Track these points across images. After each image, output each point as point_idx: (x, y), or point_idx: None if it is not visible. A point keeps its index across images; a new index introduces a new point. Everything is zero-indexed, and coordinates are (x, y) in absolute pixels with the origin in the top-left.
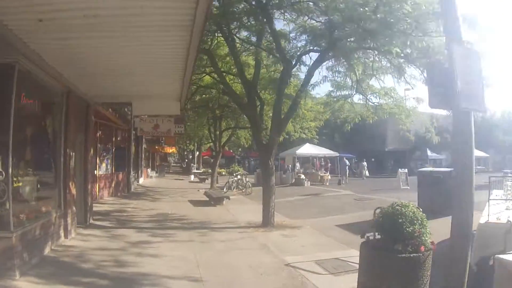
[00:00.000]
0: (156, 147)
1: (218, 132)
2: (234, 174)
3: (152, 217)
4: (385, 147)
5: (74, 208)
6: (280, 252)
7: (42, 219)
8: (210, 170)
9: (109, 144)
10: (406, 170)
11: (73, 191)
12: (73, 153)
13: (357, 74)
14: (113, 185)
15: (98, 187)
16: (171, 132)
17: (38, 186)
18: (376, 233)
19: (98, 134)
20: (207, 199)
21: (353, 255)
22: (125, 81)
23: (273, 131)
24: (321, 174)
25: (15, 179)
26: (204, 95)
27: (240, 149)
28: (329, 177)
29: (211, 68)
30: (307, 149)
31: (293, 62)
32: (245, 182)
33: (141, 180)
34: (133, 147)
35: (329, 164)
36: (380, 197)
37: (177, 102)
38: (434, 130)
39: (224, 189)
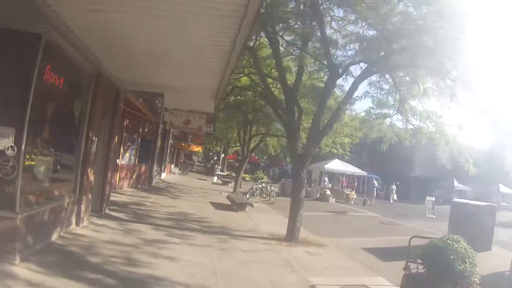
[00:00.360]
0: (183, 144)
1: (247, 137)
2: (259, 181)
3: (171, 215)
4: (411, 172)
5: (90, 195)
6: (304, 271)
7: (53, 202)
8: (234, 174)
9: (135, 134)
10: (433, 199)
11: (91, 177)
12: (96, 139)
13: (400, 93)
14: (134, 176)
15: (119, 177)
16: (202, 130)
17: (55, 167)
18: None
19: (125, 122)
20: (230, 203)
21: (382, 284)
22: (160, 69)
23: (309, 142)
24: (347, 192)
25: (28, 156)
26: (239, 97)
27: (265, 156)
28: (355, 196)
29: (250, 68)
30: (335, 165)
31: (340, 71)
32: (269, 190)
33: (163, 175)
34: (160, 141)
35: (355, 183)
36: (406, 223)
37: (212, 99)
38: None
39: (247, 195)
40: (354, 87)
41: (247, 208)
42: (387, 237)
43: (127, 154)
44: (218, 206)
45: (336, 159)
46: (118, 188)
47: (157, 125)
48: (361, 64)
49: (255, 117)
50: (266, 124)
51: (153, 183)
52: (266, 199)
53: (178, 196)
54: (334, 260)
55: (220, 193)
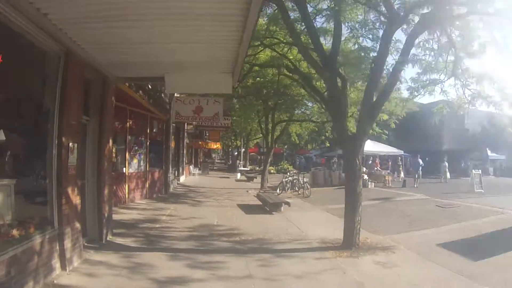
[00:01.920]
0: (200, 142)
1: (270, 125)
2: (289, 173)
3: (192, 231)
4: (441, 146)
5: (77, 225)
6: None
7: (12, 247)
8: (258, 168)
9: (142, 136)
10: (480, 172)
11: (74, 199)
12: (74, 145)
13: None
14: (147, 185)
15: (128, 188)
16: (218, 119)
17: (17, 193)
18: None
19: (128, 124)
20: (260, 203)
21: None
22: (158, 40)
23: (363, 118)
24: (385, 174)
25: None
26: (258, 78)
27: (285, 145)
28: (393, 178)
29: (271, 39)
30: (368, 146)
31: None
32: (301, 182)
33: (182, 178)
34: (173, 141)
35: (389, 163)
36: (463, 203)
37: (229, 75)
38: None
39: (278, 191)
40: (410, 42)
41: (282, 208)
42: (455, 224)
43: (135, 160)
44: (247, 208)
45: (368, 140)
46: (129, 202)
47: (168, 123)
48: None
49: (279, 101)
50: (289, 110)
51: (171, 190)
52: (299, 192)
53: (200, 202)
54: (416, 270)
55: (247, 191)
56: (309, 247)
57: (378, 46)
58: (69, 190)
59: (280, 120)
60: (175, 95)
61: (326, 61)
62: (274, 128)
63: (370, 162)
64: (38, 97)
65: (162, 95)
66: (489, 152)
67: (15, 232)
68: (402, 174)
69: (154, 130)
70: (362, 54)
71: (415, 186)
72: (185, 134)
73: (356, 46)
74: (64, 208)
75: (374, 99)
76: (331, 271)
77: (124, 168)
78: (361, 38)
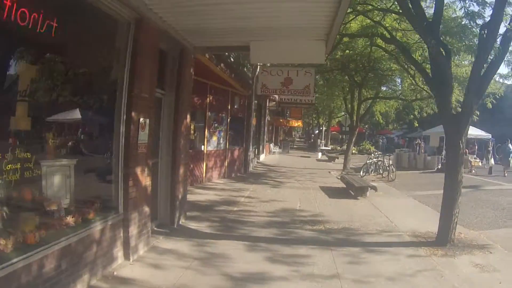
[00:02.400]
0: (281, 120)
1: (356, 103)
2: (373, 155)
3: (273, 216)
4: None
5: (145, 209)
6: None
7: (72, 234)
8: (339, 148)
9: (222, 113)
10: None
11: (144, 181)
12: (146, 120)
13: None
14: (225, 164)
15: (206, 167)
16: (310, 91)
17: (78, 174)
18: None
19: (208, 99)
20: (344, 186)
21: None
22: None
23: (470, 94)
24: (471, 160)
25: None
26: (347, 51)
27: (366, 125)
28: (480, 163)
29: (364, 5)
30: None
31: None
32: (386, 165)
33: (262, 157)
34: (254, 118)
35: (476, 148)
36: None
37: (322, 42)
38: None
39: (361, 173)
40: None
41: (368, 193)
42: None
43: (215, 138)
44: (331, 192)
45: None
46: (206, 181)
47: (250, 99)
48: None
49: (367, 76)
50: (376, 86)
51: (250, 169)
52: (384, 175)
53: (281, 182)
54: None
55: (329, 172)
56: (400, 241)
57: (486, 11)
58: (138, 170)
59: (367, 97)
60: (261, 65)
61: (428, 27)
62: (360, 106)
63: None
64: (106, 69)
65: (245, 69)
66: None
67: (70, 219)
68: (492, 161)
69: (235, 106)
70: (467, 21)
71: (505, 175)
72: (267, 111)
73: (463, 11)
74: (131, 191)
75: (482, 72)
76: (427, 273)
77: (202, 146)
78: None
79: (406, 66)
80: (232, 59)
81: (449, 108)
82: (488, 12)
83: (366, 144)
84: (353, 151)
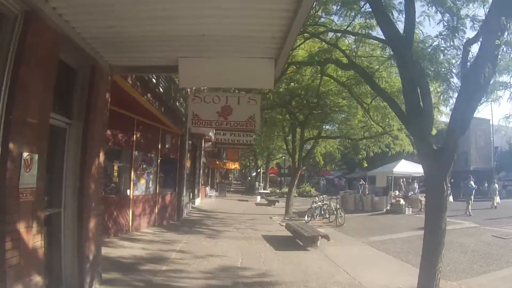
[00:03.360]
0: (217, 161)
1: (298, 143)
2: (317, 198)
3: (210, 278)
4: (469, 166)
5: (37, 279)
6: None
7: None
8: (278, 190)
9: (152, 152)
10: None
11: (31, 241)
12: (33, 157)
13: None
14: (156, 210)
15: (132, 215)
16: (255, 123)
17: None
18: None
19: (135, 136)
20: (290, 234)
21: None
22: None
23: (454, 127)
24: (421, 199)
25: None
26: (292, 84)
27: (303, 167)
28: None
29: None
30: (404, 167)
31: None
32: (333, 209)
33: (197, 201)
34: (188, 159)
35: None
36: None
37: (270, 61)
38: None
39: (306, 218)
40: None
41: (319, 242)
42: None
43: (143, 181)
44: (276, 242)
45: (403, 160)
46: (133, 231)
47: (183, 138)
48: None
49: (312, 113)
50: (319, 125)
51: (184, 215)
52: (331, 220)
53: (218, 231)
54: None
55: (271, 217)
56: None
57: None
58: (21, 226)
59: (309, 137)
60: (193, 89)
61: (399, 45)
62: (302, 146)
63: (404, 184)
64: None
65: (177, 103)
66: None
67: None
68: (451, 198)
69: (167, 146)
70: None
71: (469, 214)
72: (202, 152)
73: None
74: (9, 257)
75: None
76: None
77: (128, 191)
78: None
79: (360, 100)
80: (161, 89)
81: (429, 143)
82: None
83: (306, 186)
84: (294, 194)
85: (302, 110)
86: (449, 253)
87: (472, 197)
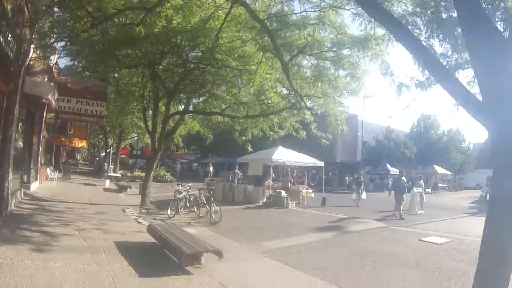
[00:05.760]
0: (63, 138)
1: (162, 119)
2: (181, 186)
3: None
4: (335, 158)
5: None
6: None
7: None
8: (129, 174)
9: None
10: (420, 190)
11: None
12: None
13: None
14: None
15: None
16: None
17: None
18: None
19: None
20: (157, 242)
21: None
22: None
23: None
24: (303, 191)
25: None
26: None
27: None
28: (312, 194)
29: None
30: (282, 155)
31: None
32: (203, 200)
33: (34, 186)
34: (19, 130)
35: (305, 177)
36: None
37: None
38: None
39: (168, 211)
40: None
41: (202, 259)
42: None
43: None
44: (137, 257)
45: (280, 146)
46: None
47: (11, 98)
48: None
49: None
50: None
51: (13, 207)
52: (201, 215)
53: (53, 237)
54: None
55: (123, 210)
56: None
57: None
58: None
59: (177, 111)
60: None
61: None
62: (167, 122)
63: (284, 174)
64: None
65: (5, 47)
66: (389, 167)
67: None
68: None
69: None
70: None
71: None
72: (43, 125)
73: None
74: None
75: None
76: None
77: None
78: None
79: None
80: None
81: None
82: None
83: (161, 170)
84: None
85: (175, 72)
86: (385, 270)
87: (363, 189)
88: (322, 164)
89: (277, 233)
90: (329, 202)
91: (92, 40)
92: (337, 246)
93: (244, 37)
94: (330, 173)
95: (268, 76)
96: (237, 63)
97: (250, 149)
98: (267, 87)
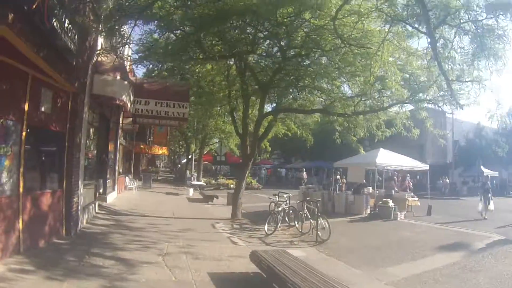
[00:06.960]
0: (142, 145)
1: (255, 119)
2: (279, 196)
3: None
4: (425, 160)
5: None
6: None
7: None
8: (213, 181)
9: (9, 117)
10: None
11: None
12: None
13: None
14: (19, 224)
15: None
16: None
17: None
18: None
19: None
20: (260, 272)
21: None
22: None
23: None
24: (408, 198)
25: None
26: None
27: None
28: (418, 203)
29: None
30: (385, 158)
31: None
32: (308, 213)
33: (112, 197)
34: (92, 136)
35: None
36: None
37: None
38: None
39: (266, 227)
40: None
41: None
42: None
43: None
44: None
45: (381, 149)
46: None
47: (77, 99)
48: None
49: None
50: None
51: (84, 223)
52: (303, 231)
53: (130, 266)
54: None
55: (213, 226)
56: None
57: None
58: None
59: (271, 110)
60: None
61: None
62: (261, 122)
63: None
64: None
65: (69, 42)
66: (482, 168)
67: None
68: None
69: (43, 109)
70: None
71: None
72: (120, 131)
73: None
74: None
75: None
76: None
77: None
78: None
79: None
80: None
81: None
82: None
83: (248, 177)
84: (232, 185)
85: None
86: None
87: (491, 197)
88: (427, 167)
89: (399, 254)
90: (434, 210)
91: (172, 19)
92: (473, 271)
93: (362, 10)
94: (418, 176)
95: (391, 59)
96: (353, 43)
97: (362, 151)
98: (388, 74)
